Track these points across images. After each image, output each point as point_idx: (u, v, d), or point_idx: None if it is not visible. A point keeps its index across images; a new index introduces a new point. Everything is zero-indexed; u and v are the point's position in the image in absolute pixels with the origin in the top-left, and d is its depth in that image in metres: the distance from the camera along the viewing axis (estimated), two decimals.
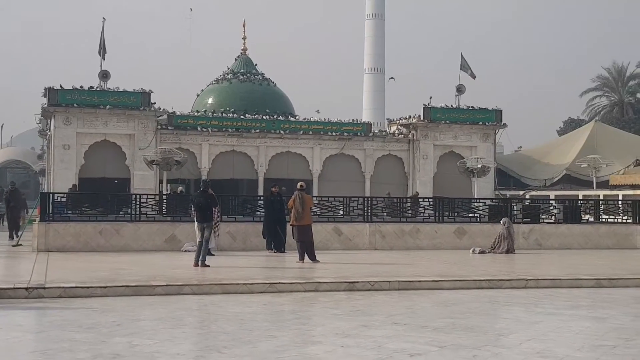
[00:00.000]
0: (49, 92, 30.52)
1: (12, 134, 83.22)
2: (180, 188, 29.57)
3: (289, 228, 16.75)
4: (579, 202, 23.95)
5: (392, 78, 60.51)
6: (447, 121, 35.20)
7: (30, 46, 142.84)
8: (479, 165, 30.26)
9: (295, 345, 7.53)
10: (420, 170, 34.86)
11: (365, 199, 20.68)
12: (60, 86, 30.63)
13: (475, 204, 21.83)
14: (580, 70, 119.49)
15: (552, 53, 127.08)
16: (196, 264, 14.03)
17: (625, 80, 57.63)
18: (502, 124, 36.00)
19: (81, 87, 30.88)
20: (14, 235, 20.64)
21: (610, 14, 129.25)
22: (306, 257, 15.32)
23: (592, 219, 22.47)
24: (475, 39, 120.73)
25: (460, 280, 12.51)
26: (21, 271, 13.56)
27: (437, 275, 13.07)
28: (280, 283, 11.76)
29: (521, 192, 34.95)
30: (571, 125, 57.25)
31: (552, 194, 32.62)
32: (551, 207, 22.41)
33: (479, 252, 18.39)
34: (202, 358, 7.02)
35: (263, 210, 18.64)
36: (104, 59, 32.00)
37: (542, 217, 21.66)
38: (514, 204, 21.80)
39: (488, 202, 22.58)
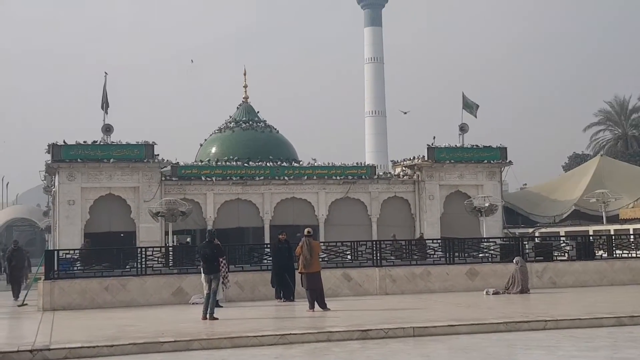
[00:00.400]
0: (53, 148, 30.49)
1: (18, 192, 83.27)
2: (187, 239, 29.30)
3: (297, 276, 16.44)
4: (592, 237, 23.56)
5: (405, 112, 60.29)
6: (452, 160, 35.01)
7: (33, 104, 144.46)
8: (487, 204, 29.96)
9: None
10: (427, 212, 34.54)
11: (374, 242, 20.37)
12: (64, 142, 30.62)
13: (486, 244, 21.50)
14: (583, 105, 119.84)
15: (554, 88, 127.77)
16: (204, 317, 13.72)
17: (628, 113, 57.62)
18: (507, 161, 35.81)
19: (84, 142, 30.87)
20: (18, 295, 20.35)
21: (611, 48, 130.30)
22: (316, 305, 14.99)
23: (605, 255, 22.07)
24: (475, 77, 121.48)
25: (476, 324, 12.15)
26: (26, 332, 13.28)
27: (452, 319, 12.72)
28: (291, 334, 11.43)
29: (530, 230, 34.55)
30: (576, 160, 57.08)
31: (562, 230, 32.23)
32: (563, 244, 22.04)
33: (492, 293, 18.01)
34: None
35: (270, 258, 18.36)
36: (107, 113, 32.09)
37: (555, 254, 21.29)
38: (525, 242, 21.45)
39: (498, 241, 22.25)
